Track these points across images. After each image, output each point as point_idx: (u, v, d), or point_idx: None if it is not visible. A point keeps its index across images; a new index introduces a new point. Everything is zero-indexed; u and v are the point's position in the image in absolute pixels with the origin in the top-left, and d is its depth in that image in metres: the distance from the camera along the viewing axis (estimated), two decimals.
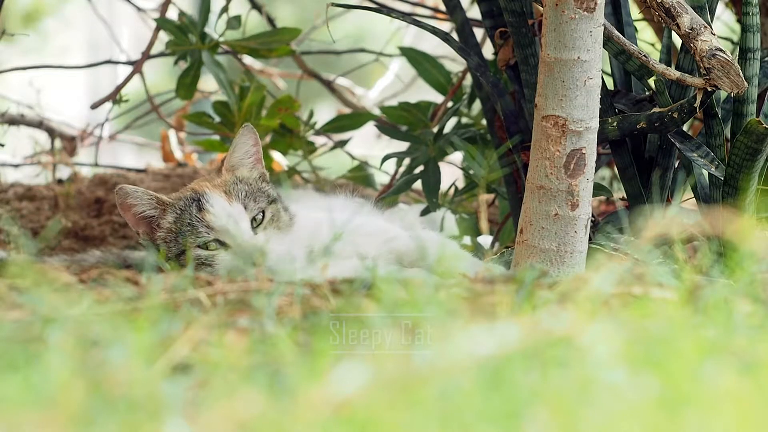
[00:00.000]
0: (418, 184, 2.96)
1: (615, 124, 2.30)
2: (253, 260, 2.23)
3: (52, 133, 3.71)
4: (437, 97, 3.01)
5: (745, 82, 2.16)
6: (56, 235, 3.19)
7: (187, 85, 3.02)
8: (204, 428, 1.21)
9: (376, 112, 3.52)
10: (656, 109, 2.27)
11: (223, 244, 2.27)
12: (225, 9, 3.02)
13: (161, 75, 5.79)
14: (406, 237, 2.39)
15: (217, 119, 3.05)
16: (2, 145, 3.43)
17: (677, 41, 2.30)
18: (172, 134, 3.88)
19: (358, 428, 1.20)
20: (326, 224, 2.27)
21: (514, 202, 2.50)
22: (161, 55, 3.34)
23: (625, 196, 2.39)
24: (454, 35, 2.51)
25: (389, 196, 2.77)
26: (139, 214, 2.32)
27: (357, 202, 2.63)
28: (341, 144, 3.25)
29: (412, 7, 3.44)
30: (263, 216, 2.29)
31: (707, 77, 2.15)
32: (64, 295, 1.70)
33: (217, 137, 3.18)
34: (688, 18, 2.18)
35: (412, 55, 2.99)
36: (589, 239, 2.18)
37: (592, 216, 2.22)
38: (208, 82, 3.83)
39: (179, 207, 2.30)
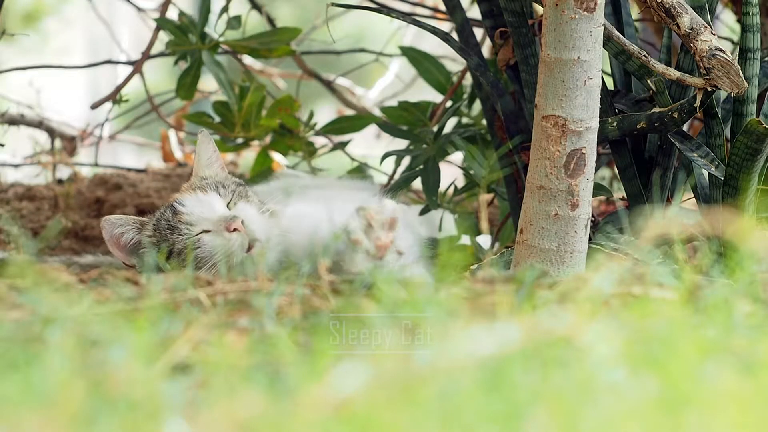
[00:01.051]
0: (416, 184, 2.96)
1: (615, 124, 2.30)
2: (230, 225, 2.22)
3: (52, 133, 3.71)
4: (437, 97, 3.01)
5: (745, 82, 2.16)
6: (56, 235, 3.19)
7: (187, 85, 3.02)
8: (204, 428, 1.21)
9: (376, 111, 3.52)
10: (656, 109, 2.27)
11: (204, 231, 2.28)
12: (225, 9, 3.02)
13: (161, 75, 5.79)
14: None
15: (217, 119, 3.06)
16: (2, 145, 3.43)
17: (677, 41, 2.30)
18: (172, 134, 3.88)
19: (358, 428, 1.20)
20: (316, 219, 2.28)
21: (514, 202, 2.50)
22: (161, 55, 3.34)
23: (625, 196, 2.39)
24: (454, 35, 2.51)
25: (388, 193, 2.77)
26: (129, 242, 2.33)
27: (364, 191, 2.65)
28: (341, 145, 3.25)
29: (412, 7, 3.44)
30: (232, 198, 2.31)
31: (707, 77, 2.15)
32: (64, 295, 1.70)
33: (217, 137, 3.18)
34: (688, 18, 2.18)
35: (412, 54, 2.99)
36: (589, 239, 2.18)
37: (592, 216, 2.22)
38: (208, 82, 3.83)
39: (155, 218, 2.33)
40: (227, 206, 2.30)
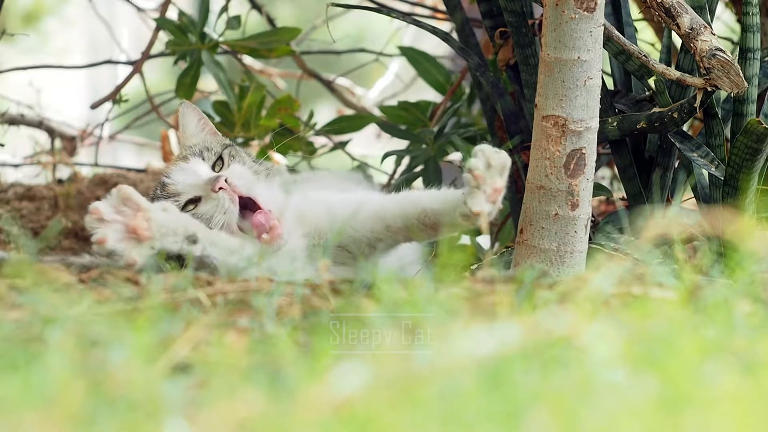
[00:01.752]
0: (417, 184, 2.96)
1: (615, 124, 2.30)
2: (214, 185, 2.21)
3: (52, 133, 3.71)
4: (437, 97, 3.01)
5: (745, 82, 2.16)
6: (56, 235, 3.19)
7: (186, 85, 3.02)
8: (204, 428, 1.21)
9: (376, 111, 3.52)
10: (656, 109, 2.27)
11: (198, 199, 2.27)
12: (225, 9, 3.02)
13: (161, 75, 5.79)
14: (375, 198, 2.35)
15: (217, 119, 3.06)
16: (2, 145, 3.43)
17: (677, 41, 2.30)
18: (172, 134, 3.88)
19: (358, 428, 1.20)
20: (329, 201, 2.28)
21: (514, 202, 2.50)
22: (161, 55, 3.34)
23: (625, 196, 2.39)
24: (454, 35, 2.51)
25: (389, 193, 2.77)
26: None
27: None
28: (341, 145, 3.25)
29: (412, 7, 3.44)
30: (222, 161, 2.30)
31: (707, 77, 2.15)
32: (64, 295, 1.70)
33: None
34: (688, 18, 2.18)
35: (411, 54, 2.99)
36: (589, 239, 2.18)
37: (592, 216, 2.22)
38: (208, 82, 3.83)
39: (152, 196, 2.31)
40: (214, 168, 2.30)
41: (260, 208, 2.23)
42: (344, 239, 2.27)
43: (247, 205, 2.23)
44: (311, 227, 2.29)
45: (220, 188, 2.21)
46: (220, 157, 2.31)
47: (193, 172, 2.28)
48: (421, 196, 2.26)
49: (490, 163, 2.08)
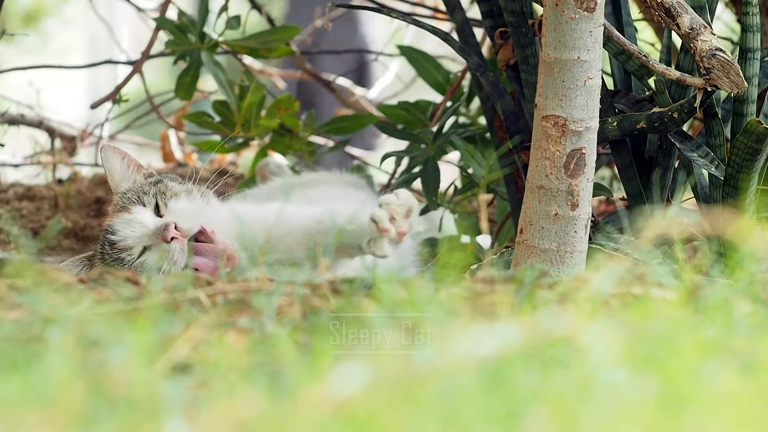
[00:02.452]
0: (416, 184, 2.96)
1: (615, 124, 2.30)
2: (166, 236, 2.19)
3: (52, 133, 3.71)
4: (437, 97, 3.01)
5: (745, 82, 2.16)
6: (56, 235, 3.19)
7: (186, 85, 3.02)
8: (204, 428, 1.21)
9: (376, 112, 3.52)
10: (656, 109, 2.27)
11: (146, 248, 2.24)
12: (224, 9, 3.02)
13: (161, 75, 5.79)
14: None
15: (217, 119, 3.05)
16: (2, 145, 3.43)
17: (677, 41, 2.30)
18: (172, 134, 3.88)
19: (358, 428, 1.20)
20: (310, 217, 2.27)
21: (514, 202, 2.50)
22: (161, 55, 3.34)
23: (625, 196, 2.39)
24: (454, 35, 2.51)
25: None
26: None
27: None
28: (342, 144, 3.25)
29: (412, 7, 3.44)
30: (162, 198, 2.28)
31: (707, 77, 2.15)
32: (64, 295, 1.70)
33: (217, 137, 3.18)
34: (688, 18, 2.18)
35: (411, 54, 2.99)
36: (589, 239, 2.18)
37: (592, 216, 2.22)
38: (208, 82, 3.83)
39: (98, 253, 2.29)
40: (159, 213, 2.28)
41: (208, 235, 2.21)
42: (284, 254, 2.26)
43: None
44: (248, 242, 2.27)
45: (173, 237, 2.19)
46: (157, 200, 2.28)
47: (140, 224, 2.24)
48: (337, 214, 2.26)
49: (393, 215, 2.16)
